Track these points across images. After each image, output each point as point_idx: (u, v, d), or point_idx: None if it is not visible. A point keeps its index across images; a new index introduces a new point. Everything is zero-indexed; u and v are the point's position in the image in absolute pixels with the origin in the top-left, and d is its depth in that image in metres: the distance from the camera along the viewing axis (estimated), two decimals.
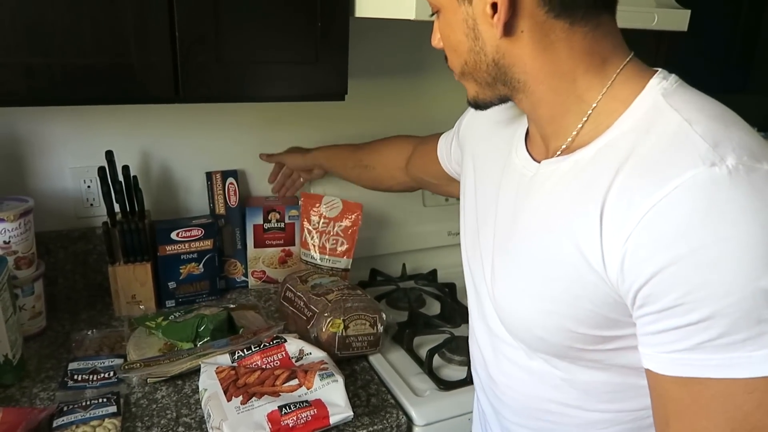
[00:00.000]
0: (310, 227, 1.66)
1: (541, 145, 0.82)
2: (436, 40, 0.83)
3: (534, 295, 0.77)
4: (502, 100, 0.80)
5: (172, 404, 1.17)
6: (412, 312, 1.56)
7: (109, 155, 1.42)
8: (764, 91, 2.06)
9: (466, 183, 1.02)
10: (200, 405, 1.15)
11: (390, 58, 1.73)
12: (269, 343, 1.25)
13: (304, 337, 1.31)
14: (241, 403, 1.08)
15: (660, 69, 0.73)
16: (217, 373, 1.16)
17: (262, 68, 1.24)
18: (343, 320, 1.29)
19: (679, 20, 1.29)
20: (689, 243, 0.58)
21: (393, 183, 1.51)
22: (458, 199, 1.08)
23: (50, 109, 1.43)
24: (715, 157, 0.60)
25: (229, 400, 1.09)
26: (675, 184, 0.60)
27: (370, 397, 1.23)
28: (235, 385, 1.13)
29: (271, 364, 1.22)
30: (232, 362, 1.21)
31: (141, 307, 1.47)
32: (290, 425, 1.05)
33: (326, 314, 1.30)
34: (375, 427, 1.15)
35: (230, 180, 1.64)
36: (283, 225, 1.67)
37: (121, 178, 1.43)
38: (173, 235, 1.49)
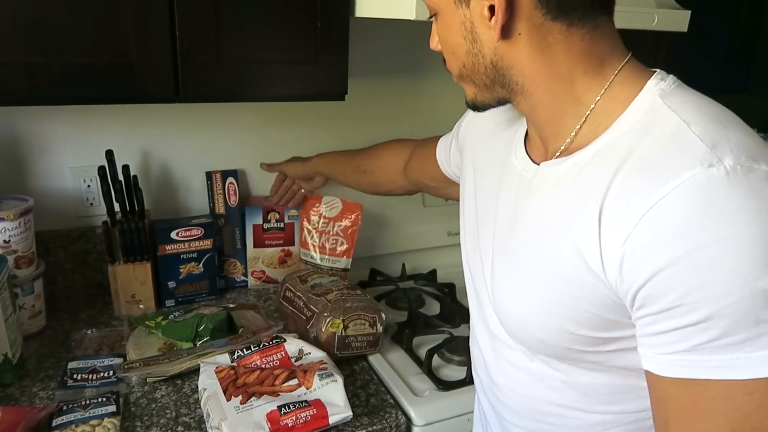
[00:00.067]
0: (309, 227, 1.66)
1: (540, 146, 0.82)
2: (434, 43, 0.83)
3: (533, 297, 0.77)
4: (501, 102, 0.80)
5: (172, 404, 1.17)
6: (411, 312, 1.56)
7: (109, 155, 1.42)
8: (764, 92, 2.06)
9: (465, 185, 1.02)
10: (199, 404, 1.15)
11: (390, 58, 1.73)
12: (269, 343, 1.25)
13: (304, 336, 1.31)
14: (241, 403, 1.08)
15: (658, 70, 0.73)
16: (216, 373, 1.16)
17: (262, 68, 1.24)
18: (343, 320, 1.29)
19: (679, 21, 1.29)
20: (687, 244, 0.58)
21: (392, 187, 1.51)
22: (457, 201, 1.08)
23: (50, 108, 1.43)
24: (713, 157, 0.60)
25: (228, 399, 1.09)
26: (673, 185, 0.60)
27: (369, 397, 1.23)
28: (234, 385, 1.13)
29: (271, 363, 1.22)
30: (232, 362, 1.22)
31: (140, 306, 1.47)
32: (289, 425, 1.05)
33: (326, 314, 1.30)
34: (374, 427, 1.15)
35: (230, 180, 1.64)
36: (282, 225, 1.67)
37: (121, 177, 1.43)
38: (173, 235, 1.49)
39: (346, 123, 1.73)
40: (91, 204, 1.54)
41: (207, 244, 1.53)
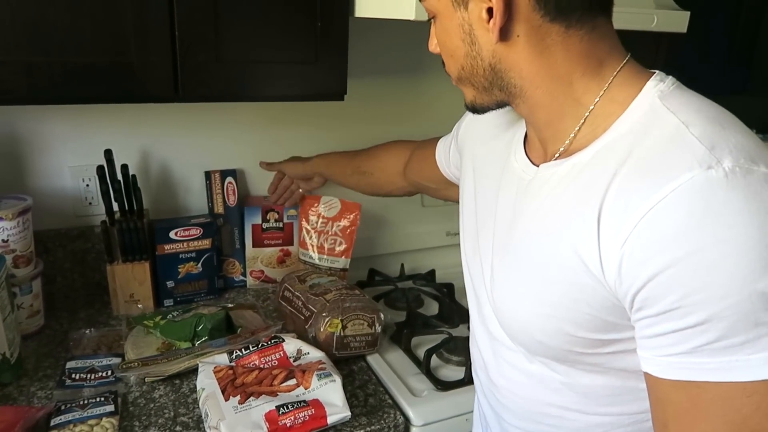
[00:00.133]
0: (308, 227, 1.66)
1: (539, 148, 0.82)
2: (433, 45, 0.83)
3: (533, 299, 0.76)
4: (500, 105, 0.80)
5: (170, 403, 1.17)
6: (410, 312, 1.56)
7: (108, 154, 1.42)
8: (763, 93, 2.06)
9: (465, 186, 1.02)
10: (198, 404, 1.15)
11: (389, 58, 1.73)
12: (267, 343, 1.25)
13: (302, 336, 1.31)
14: (239, 403, 1.08)
15: (657, 71, 0.73)
16: (214, 373, 1.16)
17: (261, 68, 1.24)
18: (341, 320, 1.29)
19: (678, 22, 1.29)
20: (686, 246, 0.58)
21: (392, 188, 1.51)
22: (456, 202, 1.08)
23: (49, 107, 1.43)
24: (712, 159, 0.59)
25: (226, 399, 1.09)
26: (672, 187, 0.59)
27: (367, 397, 1.23)
28: (232, 385, 1.13)
29: (269, 363, 1.22)
30: (230, 362, 1.22)
31: (139, 306, 1.47)
32: (288, 425, 1.05)
33: (324, 314, 1.30)
34: (372, 427, 1.15)
35: (229, 179, 1.64)
36: (281, 225, 1.67)
37: (120, 177, 1.43)
38: (172, 235, 1.49)
39: (346, 123, 1.74)
40: (90, 203, 1.54)
41: (206, 243, 1.53)
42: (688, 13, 1.29)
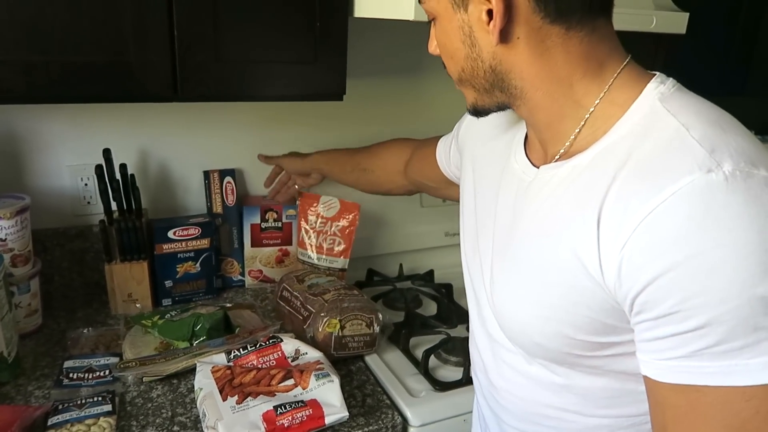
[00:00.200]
0: (307, 227, 1.66)
1: (539, 150, 0.82)
2: (433, 47, 0.83)
3: (532, 301, 0.76)
4: (501, 107, 0.80)
5: (168, 403, 1.17)
6: (408, 312, 1.56)
7: (107, 153, 1.42)
8: (763, 94, 2.06)
9: (465, 187, 1.02)
10: (196, 404, 1.15)
11: (388, 58, 1.73)
12: (265, 343, 1.25)
13: (301, 336, 1.31)
14: (237, 403, 1.08)
15: (658, 73, 0.73)
16: (212, 373, 1.16)
17: (260, 68, 1.24)
18: (340, 320, 1.29)
19: (677, 23, 1.29)
20: (685, 250, 0.58)
21: (392, 187, 1.51)
22: (457, 202, 1.08)
23: (48, 106, 1.43)
24: (712, 163, 0.59)
25: (224, 399, 1.09)
26: (672, 190, 0.59)
27: (365, 397, 1.23)
28: (230, 385, 1.13)
29: (267, 363, 1.22)
30: (228, 361, 1.21)
31: (137, 305, 1.47)
32: (285, 425, 1.05)
33: (323, 314, 1.29)
34: (370, 427, 1.15)
35: (228, 179, 1.63)
36: (280, 224, 1.67)
37: (118, 176, 1.43)
38: (170, 234, 1.49)
39: (345, 123, 1.73)
40: (89, 203, 1.54)
41: (204, 243, 1.53)
42: (687, 14, 1.29)
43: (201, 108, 1.58)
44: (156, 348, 1.29)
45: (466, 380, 1.27)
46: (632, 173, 0.64)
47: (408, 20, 1.07)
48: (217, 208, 1.63)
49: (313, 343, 1.28)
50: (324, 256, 1.65)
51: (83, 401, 1.12)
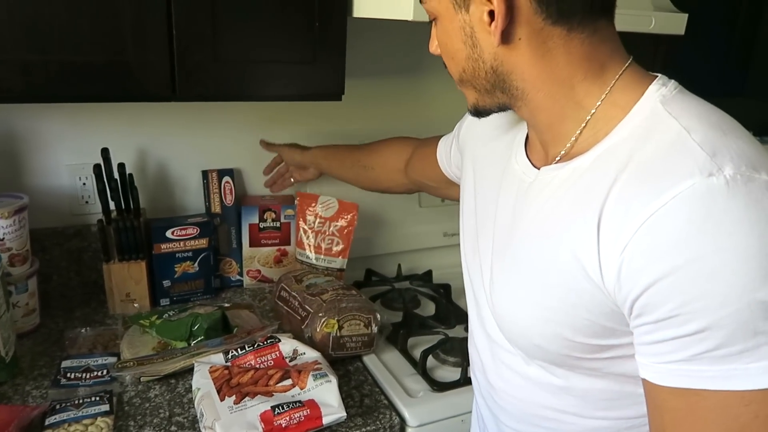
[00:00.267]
0: (305, 227, 1.66)
1: (540, 151, 0.82)
2: (434, 47, 0.82)
3: (531, 303, 0.76)
4: (502, 108, 0.80)
5: (165, 403, 1.17)
6: (406, 313, 1.55)
7: (105, 153, 1.42)
8: (762, 95, 2.06)
9: (465, 187, 1.01)
10: (193, 404, 1.14)
11: (387, 59, 1.73)
12: (263, 343, 1.25)
13: (299, 336, 1.31)
14: (234, 403, 1.08)
15: (660, 75, 0.72)
16: (210, 373, 1.16)
17: (259, 67, 1.24)
18: (338, 320, 1.29)
19: (676, 24, 1.29)
20: (685, 253, 0.58)
21: (391, 184, 1.50)
22: (456, 201, 1.07)
23: (47, 106, 1.43)
24: (713, 166, 0.59)
25: (222, 399, 1.09)
26: (672, 194, 0.59)
27: (363, 397, 1.23)
28: (228, 385, 1.13)
29: (265, 363, 1.22)
30: (226, 361, 1.21)
31: (135, 305, 1.47)
32: (283, 425, 1.05)
33: (321, 314, 1.29)
34: (368, 427, 1.15)
35: (226, 179, 1.63)
36: (278, 224, 1.67)
37: (116, 175, 1.43)
38: (168, 234, 1.49)
39: (343, 123, 1.73)
40: (87, 202, 1.54)
41: (202, 243, 1.53)
42: (686, 15, 1.29)
43: (199, 108, 1.58)
44: (154, 348, 1.29)
45: (464, 381, 1.27)
46: (633, 176, 0.64)
47: (407, 20, 1.07)
48: (216, 208, 1.63)
49: (311, 343, 1.28)
50: (322, 256, 1.65)
51: (81, 401, 1.11)
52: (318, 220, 1.65)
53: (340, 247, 1.65)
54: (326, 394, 1.12)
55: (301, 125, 1.70)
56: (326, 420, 1.08)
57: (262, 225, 1.65)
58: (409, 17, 1.06)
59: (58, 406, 1.10)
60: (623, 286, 0.64)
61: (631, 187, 0.64)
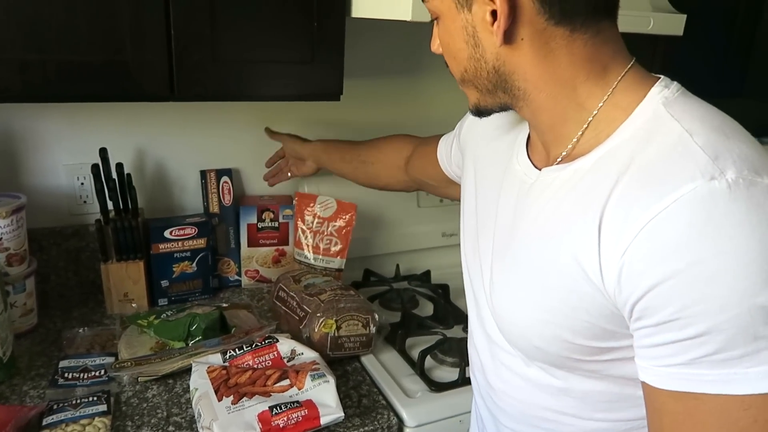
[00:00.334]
0: (304, 227, 1.65)
1: (542, 151, 0.81)
2: (435, 46, 0.82)
3: (531, 305, 0.76)
4: (503, 108, 0.80)
5: (163, 403, 1.17)
6: (405, 313, 1.55)
7: (103, 152, 1.41)
8: (760, 96, 2.06)
9: (466, 187, 1.01)
10: (191, 404, 1.14)
11: (386, 59, 1.73)
12: (261, 343, 1.25)
13: (297, 337, 1.30)
14: (232, 403, 1.08)
15: (662, 76, 0.72)
16: (208, 373, 1.16)
17: (257, 67, 1.24)
18: (336, 321, 1.29)
19: (675, 24, 1.29)
20: (686, 257, 0.58)
21: (391, 181, 1.50)
22: (456, 201, 1.07)
23: (45, 105, 1.43)
24: (715, 170, 0.59)
25: (219, 399, 1.09)
26: (674, 197, 0.59)
27: (361, 397, 1.23)
28: (226, 385, 1.13)
29: (263, 364, 1.22)
30: (224, 362, 1.21)
31: (133, 305, 1.47)
32: (281, 425, 1.05)
33: (319, 314, 1.29)
34: (366, 428, 1.14)
35: (224, 179, 1.63)
36: (277, 224, 1.66)
37: (115, 175, 1.43)
38: (167, 234, 1.49)
39: (342, 123, 1.73)
40: (85, 202, 1.54)
41: (201, 243, 1.53)
42: (684, 16, 1.29)
43: (198, 107, 1.58)
44: (152, 348, 1.29)
45: (462, 381, 1.27)
46: (634, 178, 0.64)
47: (405, 21, 1.07)
48: (214, 208, 1.63)
49: (309, 343, 1.28)
50: (320, 257, 1.65)
51: (78, 401, 1.11)
52: (316, 220, 1.65)
53: (339, 247, 1.65)
54: (324, 395, 1.12)
55: (300, 125, 1.69)
56: (324, 420, 1.08)
57: (260, 225, 1.65)
58: (408, 17, 1.06)
59: (55, 406, 1.10)
60: (624, 289, 0.63)
61: (633, 190, 0.63)
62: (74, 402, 1.11)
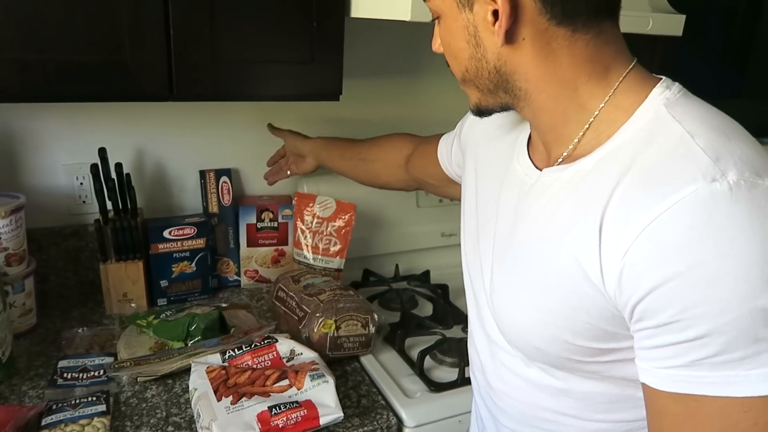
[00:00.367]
0: (303, 227, 1.65)
1: (543, 151, 0.81)
2: (436, 45, 0.82)
3: (532, 306, 0.76)
4: (504, 108, 0.79)
5: (162, 403, 1.16)
6: (404, 313, 1.55)
7: (103, 152, 1.41)
8: (760, 96, 2.06)
9: (467, 187, 1.01)
10: (190, 405, 1.14)
11: (385, 59, 1.73)
12: (260, 343, 1.25)
13: (296, 337, 1.30)
14: (231, 403, 1.08)
15: (664, 77, 0.72)
16: (207, 373, 1.16)
17: (257, 67, 1.24)
18: (335, 321, 1.29)
19: (674, 25, 1.29)
20: (687, 259, 0.58)
21: (391, 179, 1.49)
22: (456, 200, 1.07)
23: (44, 105, 1.43)
24: (716, 172, 0.59)
25: (219, 400, 1.09)
26: (675, 199, 0.59)
27: (360, 398, 1.23)
28: (225, 385, 1.13)
29: (262, 364, 1.22)
30: (223, 362, 1.21)
31: (132, 305, 1.47)
32: (280, 426, 1.04)
33: (318, 314, 1.29)
34: (365, 428, 1.14)
35: (224, 179, 1.63)
36: (276, 224, 1.66)
37: (114, 175, 1.43)
38: (166, 234, 1.49)
39: (341, 123, 1.73)
40: (84, 202, 1.54)
41: (200, 243, 1.53)
42: (684, 16, 1.29)
43: (197, 107, 1.58)
44: (151, 348, 1.29)
45: (461, 381, 1.27)
46: (636, 180, 0.64)
47: (405, 21, 1.07)
48: (213, 208, 1.63)
49: (308, 343, 1.28)
50: (320, 257, 1.65)
51: (77, 401, 1.11)
52: (315, 220, 1.65)
53: (338, 247, 1.65)
54: (323, 395, 1.12)
55: (299, 125, 1.69)
56: (323, 420, 1.08)
57: (259, 225, 1.65)
58: (407, 18, 1.06)
59: (54, 407, 1.10)
60: (624, 291, 0.63)
61: (634, 191, 0.63)
62: (73, 402, 1.11)
